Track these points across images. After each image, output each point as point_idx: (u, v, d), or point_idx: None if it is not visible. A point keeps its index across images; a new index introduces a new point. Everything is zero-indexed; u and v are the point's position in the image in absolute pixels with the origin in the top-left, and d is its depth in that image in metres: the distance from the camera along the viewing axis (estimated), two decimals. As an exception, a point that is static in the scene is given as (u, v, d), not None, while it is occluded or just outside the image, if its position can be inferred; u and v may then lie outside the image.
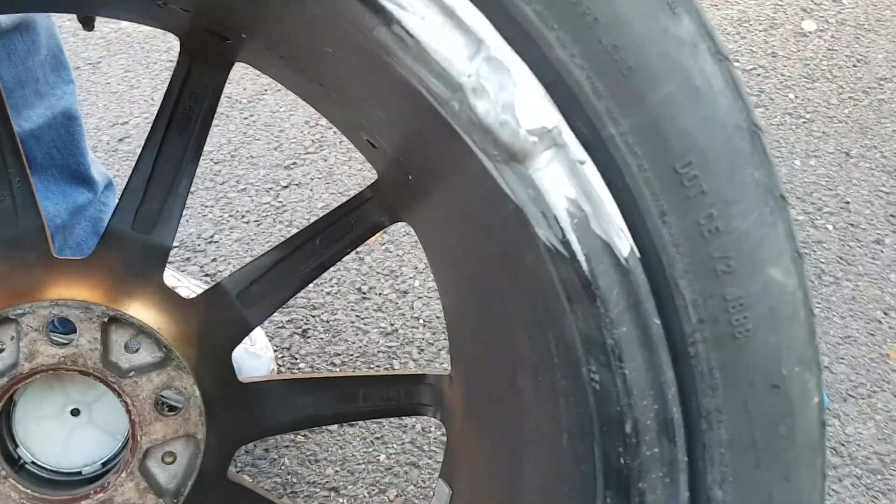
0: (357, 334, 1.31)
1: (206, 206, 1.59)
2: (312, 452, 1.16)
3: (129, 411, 0.68)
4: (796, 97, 1.82)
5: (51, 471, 0.72)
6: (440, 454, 1.17)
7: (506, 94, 0.44)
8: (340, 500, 1.12)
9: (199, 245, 1.49)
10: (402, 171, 0.68)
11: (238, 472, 1.13)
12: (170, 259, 1.52)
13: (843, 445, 1.19)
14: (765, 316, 0.46)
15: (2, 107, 0.67)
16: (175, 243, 1.53)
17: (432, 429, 1.19)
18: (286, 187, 1.63)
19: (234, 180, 1.65)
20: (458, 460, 0.77)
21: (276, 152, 1.72)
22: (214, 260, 1.46)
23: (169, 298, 0.71)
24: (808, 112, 1.77)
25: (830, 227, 1.47)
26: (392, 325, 1.32)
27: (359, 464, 1.15)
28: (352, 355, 1.28)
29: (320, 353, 1.28)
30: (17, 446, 0.71)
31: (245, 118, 1.82)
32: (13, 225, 0.69)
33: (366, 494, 1.13)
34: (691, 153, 0.44)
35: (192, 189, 1.64)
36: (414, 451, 1.17)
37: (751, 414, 0.47)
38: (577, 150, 0.45)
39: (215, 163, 1.70)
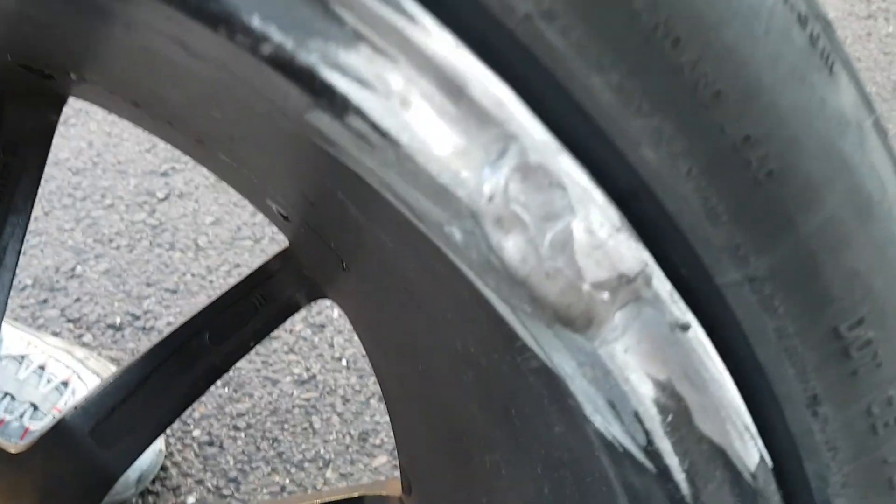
0: (265, 386, 1.09)
1: (65, 230, 1.31)
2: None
3: None
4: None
5: None
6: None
7: (558, 227, 0.24)
8: None
9: (57, 282, 1.22)
10: (332, 255, 0.48)
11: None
12: (21, 303, 1.24)
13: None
14: (959, 539, 0.29)
15: None
16: (28, 281, 1.25)
17: None
18: (164, 200, 1.37)
19: (99, 194, 1.37)
20: None
21: (148, 156, 1.45)
22: (78, 300, 1.20)
23: (-6, 459, 0.48)
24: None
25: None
26: (308, 369, 1.11)
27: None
28: (259, 414, 1.06)
29: (219, 415, 1.06)
30: None
31: (108, 114, 1.53)
32: None
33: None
34: (863, 305, 0.26)
35: (47, 209, 1.35)
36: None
37: None
38: (677, 308, 0.26)
39: (74, 173, 1.41)
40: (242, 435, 1.04)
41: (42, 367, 0.96)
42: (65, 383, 0.97)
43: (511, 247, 0.25)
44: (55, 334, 1.13)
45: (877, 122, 0.27)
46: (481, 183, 0.24)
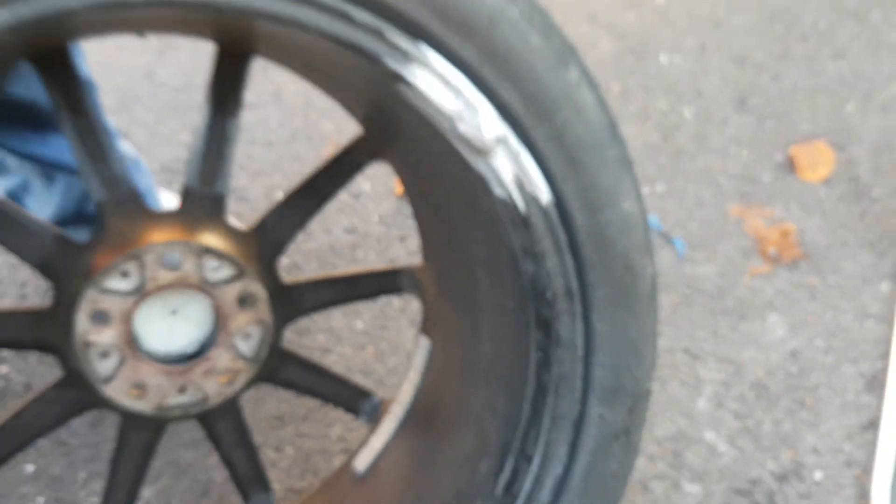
0: (324, 234, 1.65)
1: (177, 131, 1.84)
2: (306, 326, 1.53)
3: (219, 308, 1.02)
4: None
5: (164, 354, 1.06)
6: (402, 319, 1.56)
7: (476, 119, 0.78)
8: (332, 356, 1.51)
9: (178, 168, 1.76)
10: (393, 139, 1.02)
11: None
12: (157, 180, 1.78)
13: (692, 282, 1.66)
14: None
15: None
16: (156, 167, 1.79)
17: (394, 302, 1.58)
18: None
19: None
20: (434, 322, 1.16)
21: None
22: (193, 178, 1.74)
23: (234, 231, 1.03)
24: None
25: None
26: (352, 223, 1.67)
27: (342, 330, 1.53)
28: (321, 250, 1.63)
29: (296, 251, 1.62)
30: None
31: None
32: (117, 188, 0.99)
33: (349, 352, 1.52)
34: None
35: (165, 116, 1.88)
36: (382, 317, 1.56)
37: (613, 278, 0.86)
38: (517, 146, 0.80)
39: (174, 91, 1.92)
40: (315, 265, 1.61)
41: None
42: None
43: (462, 126, 0.79)
44: None
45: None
46: (452, 105, 0.78)
